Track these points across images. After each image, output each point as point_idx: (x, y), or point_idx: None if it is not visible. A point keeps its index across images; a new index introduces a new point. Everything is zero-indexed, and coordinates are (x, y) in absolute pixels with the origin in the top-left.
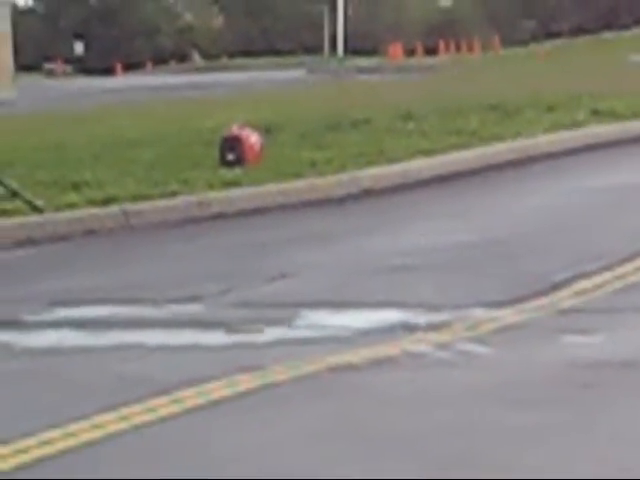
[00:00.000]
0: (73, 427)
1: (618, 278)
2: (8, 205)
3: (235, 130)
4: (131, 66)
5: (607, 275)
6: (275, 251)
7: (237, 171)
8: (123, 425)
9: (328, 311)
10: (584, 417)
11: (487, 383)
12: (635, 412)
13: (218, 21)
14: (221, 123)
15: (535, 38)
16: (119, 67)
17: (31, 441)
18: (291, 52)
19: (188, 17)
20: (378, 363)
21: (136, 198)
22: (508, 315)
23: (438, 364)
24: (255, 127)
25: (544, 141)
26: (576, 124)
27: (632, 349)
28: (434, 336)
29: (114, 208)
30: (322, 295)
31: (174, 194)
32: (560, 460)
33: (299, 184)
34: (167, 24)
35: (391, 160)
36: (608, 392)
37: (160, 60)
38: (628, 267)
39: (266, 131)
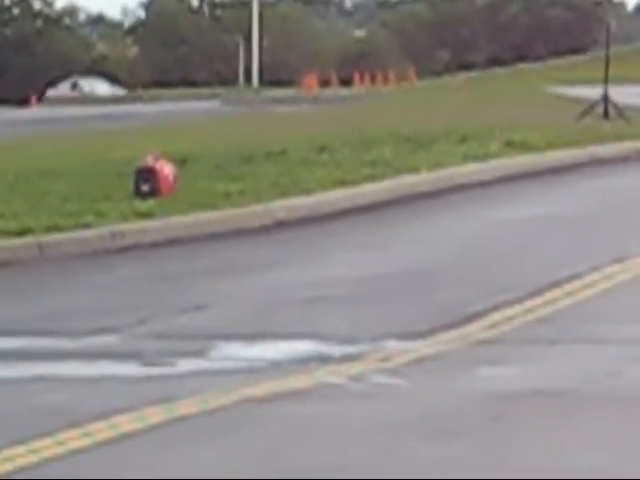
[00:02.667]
0: None
1: (529, 311)
2: None
3: (149, 161)
4: (45, 97)
5: (519, 308)
6: (189, 283)
7: (151, 202)
8: (32, 458)
9: (242, 343)
10: (497, 448)
11: (401, 415)
12: (546, 442)
13: (132, 51)
14: (135, 154)
15: (449, 69)
16: (33, 98)
17: None
18: (206, 83)
19: (102, 47)
20: (292, 395)
21: (50, 229)
22: (422, 347)
23: (352, 396)
24: (170, 158)
25: (458, 172)
26: (490, 155)
27: (544, 379)
28: (348, 368)
29: (28, 239)
30: (236, 327)
31: (88, 225)
32: None
33: (213, 215)
34: (82, 55)
35: (305, 191)
36: (520, 423)
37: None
38: (539, 300)
39: (181, 162)
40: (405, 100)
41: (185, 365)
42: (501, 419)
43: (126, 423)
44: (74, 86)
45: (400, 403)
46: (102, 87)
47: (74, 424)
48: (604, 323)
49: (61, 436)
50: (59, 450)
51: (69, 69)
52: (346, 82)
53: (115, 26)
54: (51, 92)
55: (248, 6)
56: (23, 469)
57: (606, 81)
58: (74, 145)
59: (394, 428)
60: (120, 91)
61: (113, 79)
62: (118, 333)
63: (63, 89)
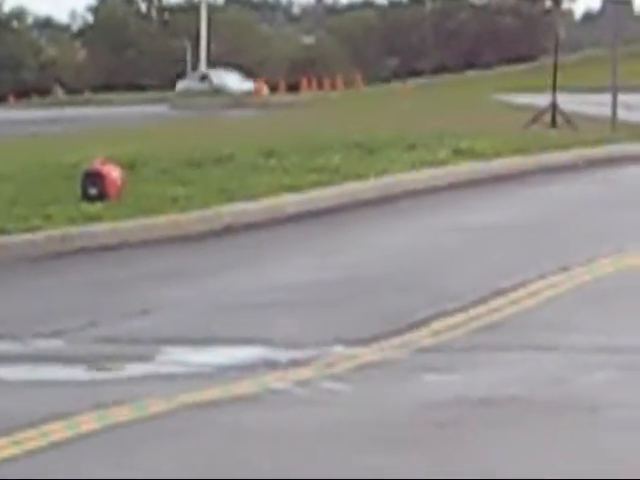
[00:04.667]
0: None
1: (474, 318)
2: None
3: (97, 165)
4: None
5: (464, 315)
6: (137, 287)
7: (99, 206)
8: None
9: (189, 348)
10: (440, 456)
11: (345, 421)
12: (489, 450)
13: (81, 55)
14: (83, 158)
15: (398, 76)
16: None
17: None
18: (154, 87)
19: (51, 51)
20: (237, 400)
21: None
22: (368, 353)
23: (298, 402)
24: (117, 162)
25: (406, 179)
26: (438, 162)
27: (486, 387)
28: (294, 373)
29: None
30: (183, 332)
31: (36, 229)
32: None
33: (161, 220)
34: (30, 58)
35: (253, 196)
36: (463, 431)
37: (22, 94)
38: (483, 308)
39: (129, 166)
40: (353, 106)
41: (131, 370)
42: (445, 427)
43: (59, 432)
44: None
45: (345, 409)
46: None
47: (16, 428)
48: (548, 331)
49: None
50: (16, 450)
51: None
52: (294, 88)
53: (63, 29)
54: None
55: (196, 10)
56: None
57: (554, 89)
58: (21, 149)
59: (338, 434)
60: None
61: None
62: (65, 337)
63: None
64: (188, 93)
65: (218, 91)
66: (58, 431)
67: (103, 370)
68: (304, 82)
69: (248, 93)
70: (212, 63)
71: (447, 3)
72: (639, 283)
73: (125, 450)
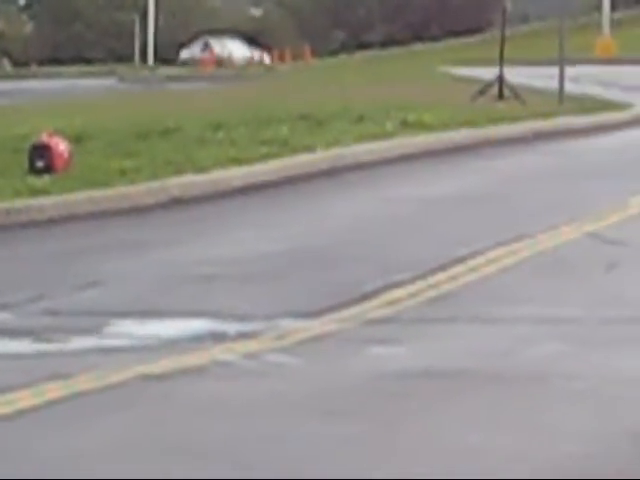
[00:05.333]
0: None
1: (424, 290)
2: None
3: (44, 138)
4: None
5: (416, 285)
6: (84, 260)
7: (46, 179)
8: None
9: (137, 320)
10: (389, 427)
11: (295, 393)
12: (438, 421)
13: (28, 28)
14: (30, 131)
15: (346, 49)
16: None
17: None
18: (102, 60)
19: None
20: (187, 372)
21: None
22: (317, 325)
23: (246, 374)
24: (65, 135)
25: (355, 151)
26: (386, 135)
27: (437, 359)
28: (243, 346)
29: None
30: (131, 304)
31: None
32: (363, 470)
33: (108, 192)
34: None
35: (201, 169)
36: (413, 402)
37: None
38: (433, 279)
39: (76, 139)
40: (301, 79)
41: (79, 342)
42: (394, 398)
43: (23, 399)
44: None
45: (294, 381)
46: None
47: None
48: (499, 302)
49: None
50: None
51: None
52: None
53: (10, 2)
54: None
55: None
56: None
57: (501, 62)
58: None
59: (287, 406)
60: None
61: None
62: (12, 310)
63: None
64: (192, 62)
65: (218, 61)
66: (24, 398)
67: (50, 342)
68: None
69: (260, 63)
70: (214, 30)
71: None
72: (592, 253)
73: (88, 415)
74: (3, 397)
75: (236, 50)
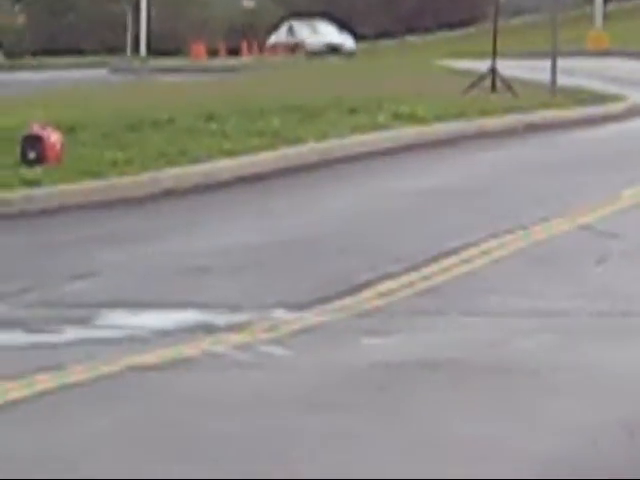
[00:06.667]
0: None
1: (416, 281)
2: None
3: (36, 129)
4: None
5: (406, 277)
6: (76, 251)
7: (38, 170)
8: None
9: (128, 311)
10: (381, 419)
11: (286, 385)
12: (431, 412)
13: (21, 19)
14: (22, 121)
15: None
16: None
17: None
18: (94, 51)
19: None
20: (178, 363)
21: None
22: (309, 316)
23: (238, 365)
24: (57, 126)
25: (347, 143)
26: (378, 127)
27: (429, 350)
28: (234, 337)
29: None
30: (122, 295)
31: None
32: (358, 463)
33: (100, 184)
34: None
35: (193, 161)
36: (405, 393)
37: None
38: (426, 271)
39: (68, 130)
40: (293, 71)
41: (71, 333)
42: (386, 390)
43: (14, 389)
44: None
45: (284, 374)
46: None
47: None
48: (490, 295)
49: None
50: None
51: None
52: (234, 52)
53: None
54: None
55: None
56: None
57: (494, 54)
58: None
59: (277, 398)
60: None
61: None
62: (3, 301)
63: None
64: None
65: (298, 45)
66: (16, 389)
67: (42, 333)
68: (244, 46)
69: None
70: (299, 13)
71: None
72: (584, 245)
73: (80, 406)
74: None
75: (328, 34)
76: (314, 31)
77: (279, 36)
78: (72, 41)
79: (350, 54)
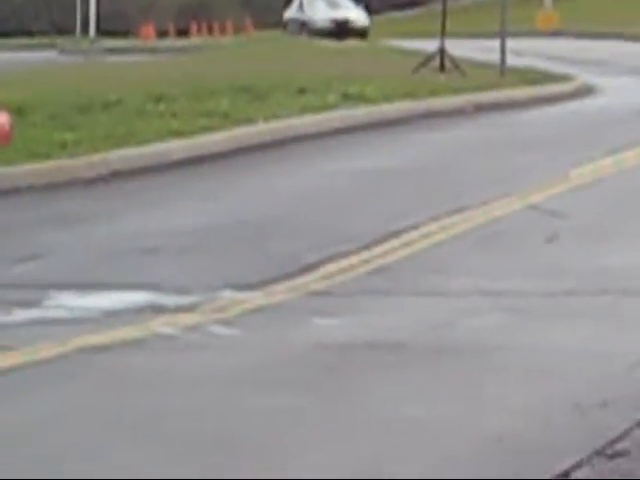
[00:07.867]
0: None
1: (364, 262)
2: None
3: None
4: None
5: (354, 259)
6: (25, 232)
7: None
8: None
9: (77, 292)
10: (328, 399)
11: (235, 365)
12: (378, 393)
13: None
14: None
15: None
16: None
17: None
18: (44, 33)
19: None
20: (127, 345)
21: None
22: (257, 297)
23: (187, 346)
24: (6, 107)
25: (296, 124)
26: (327, 107)
27: (376, 331)
28: (183, 318)
29: None
30: (71, 276)
31: None
32: (301, 441)
33: (49, 165)
34: None
35: (141, 142)
36: (353, 374)
37: None
38: (375, 251)
39: (17, 111)
40: (243, 51)
41: (19, 315)
42: (334, 370)
43: None
44: None
45: (233, 354)
46: None
47: None
48: (439, 274)
49: None
50: None
51: None
52: (183, 33)
53: None
54: None
55: None
56: None
57: (442, 34)
58: None
59: (226, 378)
60: None
61: None
62: None
63: None
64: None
65: (304, 24)
66: None
67: None
68: (194, 27)
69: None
70: None
71: None
72: (532, 225)
73: (28, 387)
74: None
75: (348, 11)
76: (336, 6)
77: (292, 12)
78: (20, 22)
79: (363, 32)
